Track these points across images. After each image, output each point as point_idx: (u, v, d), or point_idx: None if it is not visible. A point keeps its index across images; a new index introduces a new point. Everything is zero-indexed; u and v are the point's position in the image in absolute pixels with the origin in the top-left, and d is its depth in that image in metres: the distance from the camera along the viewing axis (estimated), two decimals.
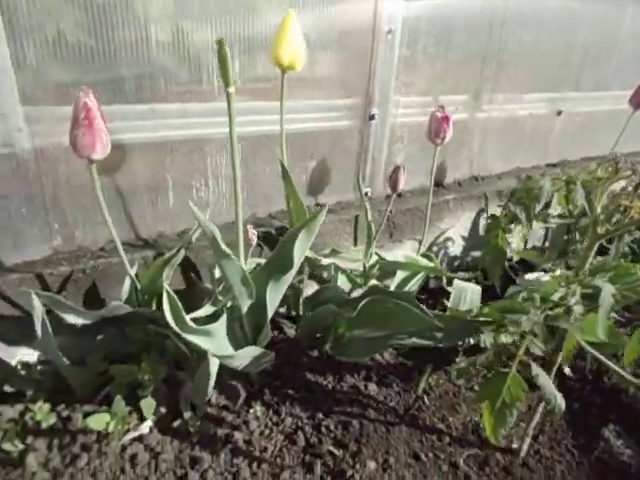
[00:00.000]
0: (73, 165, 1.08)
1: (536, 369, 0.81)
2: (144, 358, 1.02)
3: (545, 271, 1.61)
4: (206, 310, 0.95)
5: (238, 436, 1.01)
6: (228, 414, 1.07)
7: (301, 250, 0.88)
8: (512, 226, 1.42)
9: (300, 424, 1.06)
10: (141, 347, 1.10)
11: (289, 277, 0.93)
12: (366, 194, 1.60)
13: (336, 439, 1.02)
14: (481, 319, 0.97)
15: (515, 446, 1.06)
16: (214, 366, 0.84)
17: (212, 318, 0.93)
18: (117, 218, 1.18)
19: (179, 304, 0.81)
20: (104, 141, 0.82)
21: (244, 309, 0.93)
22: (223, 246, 0.81)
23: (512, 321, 0.83)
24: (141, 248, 1.20)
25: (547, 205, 1.35)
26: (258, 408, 1.08)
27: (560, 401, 0.79)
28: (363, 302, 0.92)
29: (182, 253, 0.96)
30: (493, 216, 1.50)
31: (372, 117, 1.48)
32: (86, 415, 1.02)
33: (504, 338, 1.07)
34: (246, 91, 1.27)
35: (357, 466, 0.96)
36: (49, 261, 1.11)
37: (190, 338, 0.81)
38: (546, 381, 0.80)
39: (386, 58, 1.42)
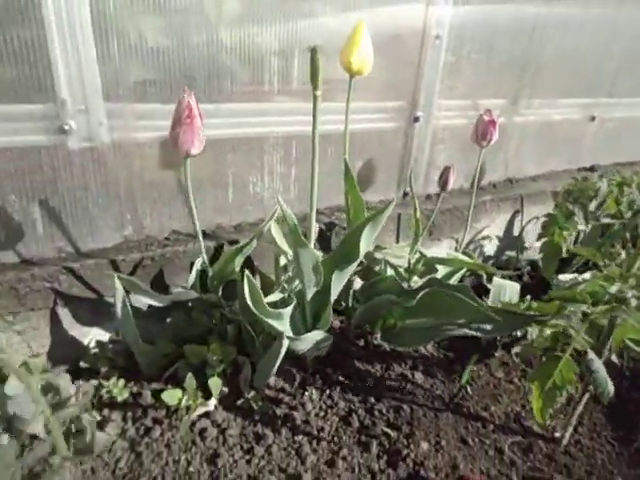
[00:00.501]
0: (146, 160, 1.16)
1: (591, 354, 0.86)
2: (212, 340, 1.09)
3: (579, 272, 1.66)
4: (275, 296, 1.01)
5: (296, 416, 1.08)
6: (285, 396, 1.14)
7: (366, 242, 0.94)
8: (567, 224, 1.48)
9: (353, 407, 1.12)
10: (204, 331, 1.17)
11: (352, 268, 0.99)
12: (406, 194, 1.67)
13: (389, 422, 1.08)
14: (530, 313, 1.02)
15: (557, 435, 1.11)
16: (284, 348, 0.90)
17: (280, 304, 0.99)
18: (181, 210, 1.26)
19: (258, 289, 0.88)
20: (201, 138, 0.90)
21: (309, 296, 0.99)
22: (301, 235, 0.88)
23: (570, 312, 0.89)
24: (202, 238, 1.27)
25: (599, 205, 1.41)
26: (313, 391, 1.14)
27: (611, 387, 0.85)
28: (422, 293, 0.99)
29: (254, 243, 1.03)
30: (550, 214, 1.56)
31: (417, 119, 1.54)
32: (154, 392, 1.10)
33: (549, 331, 1.13)
34: (302, 93, 1.33)
35: (411, 446, 1.02)
36: (120, 248, 1.19)
37: (267, 320, 0.88)
38: (599, 366, 0.85)
39: (433, 63, 1.48)
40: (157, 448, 0.98)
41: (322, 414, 1.10)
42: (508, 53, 1.64)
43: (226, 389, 1.11)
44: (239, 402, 1.08)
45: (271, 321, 0.90)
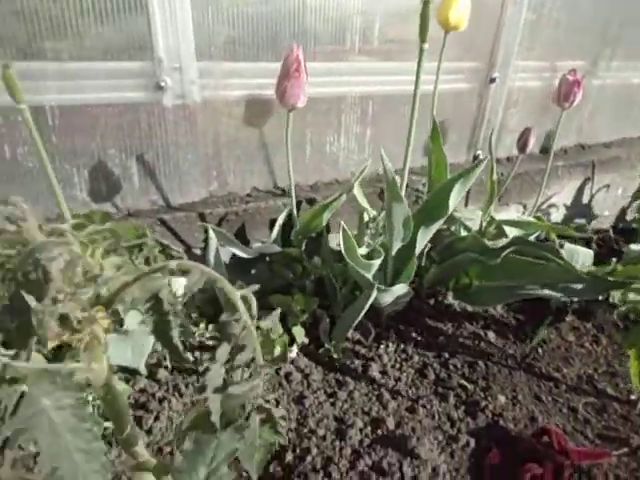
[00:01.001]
0: (233, 118, 1.20)
1: None
2: (293, 292, 1.15)
3: None
4: (361, 250, 1.05)
5: (374, 367, 1.13)
6: (361, 348, 1.19)
7: (455, 199, 0.96)
8: None
9: (427, 361, 1.16)
10: (285, 284, 1.23)
11: (438, 224, 1.01)
12: (476, 157, 1.65)
13: (464, 376, 1.12)
14: (613, 279, 1.02)
15: (633, 397, 1.12)
16: (372, 298, 0.94)
17: (366, 258, 1.03)
18: (262, 168, 1.30)
19: (353, 240, 0.92)
20: (305, 92, 0.92)
21: (394, 251, 1.02)
22: (399, 189, 0.90)
23: None
24: (279, 196, 1.32)
25: None
26: (389, 344, 1.19)
27: None
28: (507, 251, 1.00)
29: (343, 198, 1.06)
30: None
31: (492, 80, 1.51)
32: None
33: (631, 296, 1.12)
34: (381, 52, 1.33)
35: (489, 399, 1.05)
36: (206, 203, 1.25)
37: (359, 270, 0.92)
38: None
39: (513, 21, 1.44)
40: None
41: (398, 366, 1.15)
42: (591, 11, 1.57)
43: (306, 339, 1.17)
44: (320, 351, 1.14)
45: (362, 271, 0.93)
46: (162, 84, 1.08)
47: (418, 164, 1.55)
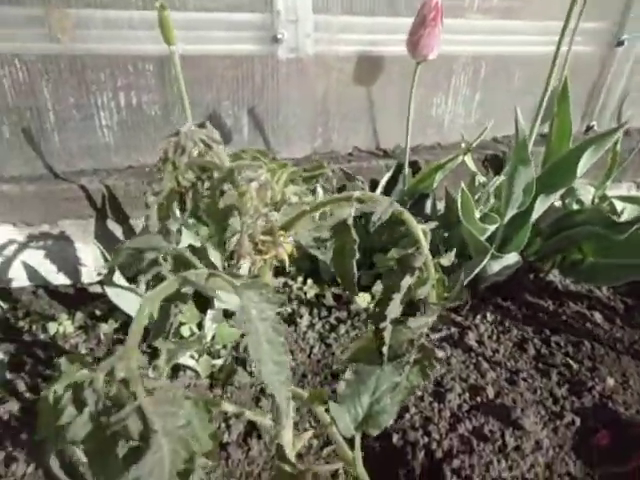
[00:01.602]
0: (343, 74, 1.19)
1: None
2: (394, 251, 1.14)
3: None
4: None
5: (470, 335, 1.11)
6: (457, 316, 1.17)
7: (583, 167, 0.90)
8: None
9: (527, 336, 1.12)
10: (382, 244, 1.22)
11: (559, 193, 0.96)
12: (589, 128, 1.53)
13: (568, 354, 1.07)
14: None
15: None
16: (484, 264, 0.92)
17: None
18: (366, 128, 1.29)
19: (472, 202, 0.89)
20: (440, 43, 0.89)
21: (507, 218, 0.98)
22: (529, 151, 0.86)
23: None
24: (381, 157, 1.30)
25: None
26: (487, 315, 1.16)
27: None
28: (636, 227, 0.93)
29: (459, 159, 1.03)
30: None
31: (620, 43, 1.38)
32: (334, 295, 1.19)
33: None
34: (500, 10, 1.25)
35: (596, 380, 1.00)
36: (309, 159, 1.26)
37: (475, 234, 0.89)
38: None
39: None
40: (344, 343, 1.07)
41: (495, 337, 1.12)
42: None
43: None
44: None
45: (478, 235, 0.91)
46: (279, 36, 1.08)
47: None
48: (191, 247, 0.46)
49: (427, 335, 0.37)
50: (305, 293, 1.17)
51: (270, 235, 0.37)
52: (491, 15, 1.24)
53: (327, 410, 0.45)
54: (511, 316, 1.18)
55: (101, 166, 1.12)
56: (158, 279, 0.36)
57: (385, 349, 0.36)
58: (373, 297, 1.11)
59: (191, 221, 0.37)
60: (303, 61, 1.14)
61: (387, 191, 1.22)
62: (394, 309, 0.35)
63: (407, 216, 0.36)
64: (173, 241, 0.37)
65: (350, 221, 0.37)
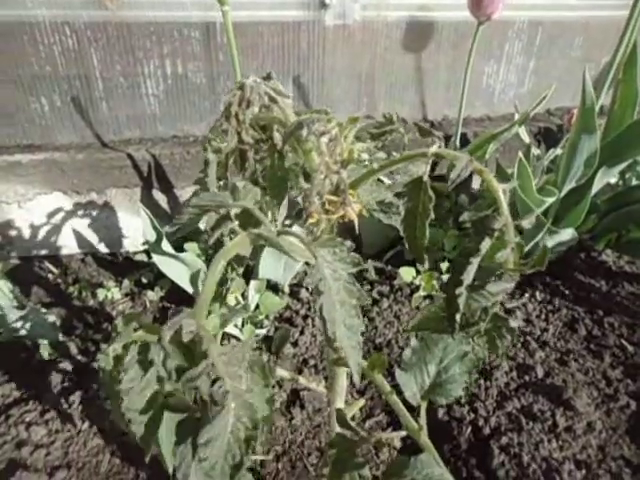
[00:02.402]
0: (391, 41, 1.15)
1: None
2: (445, 227, 1.11)
3: None
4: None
5: (518, 314, 1.07)
6: None
7: None
8: None
9: (577, 316, 1.08)
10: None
11: (623, 166, 0.90)
12: None
13: (623, 336, 1.03)
14: None
15: None
16: (537, 239, 0.88)
17: None
18: (413, 98, 1.24)
19: (530, 174, 0.85)
20: (503, 2, 0.85)
21: (564, 191, 0.94)
22: (596, 118, 0.81)
23: None
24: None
25: None
26: (537, 293, 1.12)
27: None
28: None
29: (514, 130, 0.98)
30: None
31: None
32: (377, 269, 1.17)
33: None
34: None
35: None
36: None
37: (532, 207, 0.85)
38: None
39: None
40: (387, 317, 1.06)
41: (544, 317, 1.08)
42: None
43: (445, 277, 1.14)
44: None
45: (535, 208, 0.87)
46: (326, 1, 1.05)
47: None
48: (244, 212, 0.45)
49: (501, 304, 0.35)
50: None
51: (338, 194, 0.35)
52: None
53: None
54: (561, 295, 1.13)
55: (147, 135, 1.13)
56: (218, 242, 0.35)
57: (458, 316, 0.35)
58: (418, 272, 1.08)
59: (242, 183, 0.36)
60: (350, 28, 1.10)
61: (434, 164, 1.18)
62: (471, 274, 0.33)
63: (487, 175, 0.34)
64: (240, 197, 0.36)
65: (426, 178, 0.35)
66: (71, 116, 1.06)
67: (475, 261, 0.33)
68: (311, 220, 0.34)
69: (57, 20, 0.97)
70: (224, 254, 0.29)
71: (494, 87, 1.28)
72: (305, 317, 1.06)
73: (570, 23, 1.24)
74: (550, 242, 0.95)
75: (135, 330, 0.54)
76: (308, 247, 0.30)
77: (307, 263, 0.44)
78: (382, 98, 1.22)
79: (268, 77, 0.36)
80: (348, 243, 0.31)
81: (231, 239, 0.30)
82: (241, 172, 0.37)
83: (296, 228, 0.47)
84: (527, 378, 0.91)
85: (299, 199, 0.35)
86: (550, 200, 0.90)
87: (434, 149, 0.34)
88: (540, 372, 0.93)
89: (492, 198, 0.35)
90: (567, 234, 0.93)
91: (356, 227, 0.35)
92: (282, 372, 0.51)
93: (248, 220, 0.35)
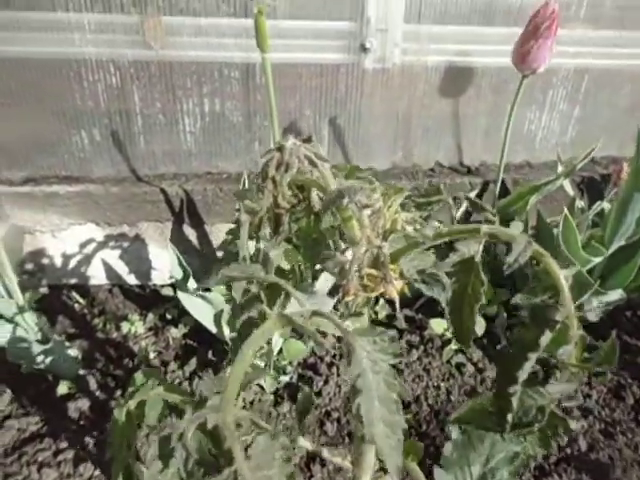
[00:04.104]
0: (430, 86, 1.13)
1: None
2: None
3: None
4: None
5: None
6: None
7: None
8: None
9: (624, 382, 1.00)
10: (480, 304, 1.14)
11: None
12: None
13: None
14: None
15: None
16: (581, 300, 0.82)
17: None
18: (449, 142, 1.22)
19: (576, 230, 0.80)
20: (550, 57, 0.82)
21: (612, 248, 0.88)
22: None
23: None
24: (465, 174, 1.23)
25: None
26: None
27: None
28: None
29: (558, 182, 0.94)
30: None
31: None
32: (407, 317, 1.12)
33: None
34: (605, 19, 1.14)
35: None
36: (387, 174, 1.20)
37: (577, 265, 0.80)
38: None
39: None
40: (416, 370, 1.00)
41: (586, 381, 1.01)
42: None
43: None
44: (498, 347, 1.04)
45: (581, 268, 0.81)
46: (367, 45, 1.04)
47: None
48: (279, 269, 0.43)
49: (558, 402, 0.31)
50: (376, 313, 1.12)
51: (378, 269, 0.32)
52: (600, 25, 1.13)
53: (419, 465, 0.39)
54: None
55: (182, 171, 1.13)
56: (248, 295, 0.33)
57: (510, 416, 0.30)
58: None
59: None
60: (389, 71, 1.09)
61: (471, 212, 1.14)
62: (526, 371, 0.29)
63: (548, 259, 0.30)
64: (272, 270, 0.33)
65: (478, 258, 0.32)
66: (109, 150, 1.08)
67: (533, 357, 0.29)
68: (348, 298, 0.31)
69: (102, 58, 0.99)
70: (252, 343, 0.26)
71: (535, 133, 1.24)
72: (330, 365, 1.02)
73: (618, 71, 1.21)
74: (594, 302, 0.89)
75: (153, 387, 0.52)
76: (345, 336, 0.26)
77: (453, 319, 0.39)
78: (418, 142, 1.20)
79: (309, 139, 0.34)
80: (391, 332, 0.28)
81: (261, 320, 0.27)
82: (274, 237, 0.35)
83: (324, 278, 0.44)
84: (569, 451, 0.84)
85: (334, 270, 0.33)
86: (597, 260, 0.85)
87: (487, 228, 0.31)
88: (583, 445, 0.85)
89: (549, 281, 0.31)
90: (614, 295, 0.87)
91: (397, 305, 0.32)
92: (304, 443, 0.47)
93: (278, 292, 0.32)
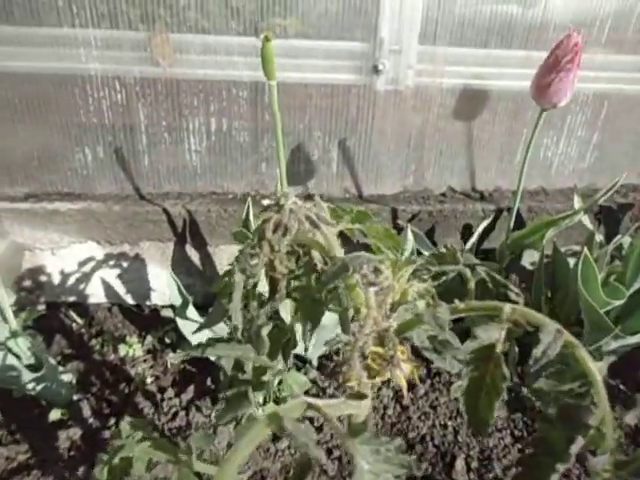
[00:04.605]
0: (444, 109, 1.09)
1: None
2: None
3: None
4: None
5: None
6: None
7: None
8: None
9: None
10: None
11: None
12: None
13: None
14: None
15: None
16: (599, 344, 0.78)
17: None
18: (463, 166, 1.18)
19: (596, 270, 0.76)
20: (572, 91, 0.78)
21: (633, 288, 0.83)
22: None
23: None
24: (477, 200, 1.18)
25: None
26: None
27: None
28: None
29: (577, 218, 0.90)
30: None
31: None
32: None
33: None
34: (628, 43, 1.10)
35: None
36: (398, 198, 1.17)
37: (594, 307, 0.75)
38: None
39: None
40: (422, 407, 0.96)
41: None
42: None
43: None
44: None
45: (600, 310, 0.77)
46: (380, 67, 1.01)
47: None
48: (275, 326, 0.39)
49: None
50: None
51: (384, 348, 0.28)
52: (622, 50, 1.09)
53: None
54: (622, 400, 1.01)
55: (186, 190, 1.10)
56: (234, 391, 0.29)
57: None
58: None
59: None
60: (402, 94, 1.06)
61: (482, 239, 1.10)
62: None
63: (582, 353, 0.26)
64: (264, 352, 0.29)
65: (499, 349, 0.28)
66: (112, 167, 1.05)
67: (561, 467, 0.25)
68: (349, 384, 0.27)
69: (108, 74, 0.97)
70: (237, 453, 0.22)
71: (552, 160, 1.20)
72: (332, 397, 0.98)
73: (639, 97, 1.16)
74: (614, 345, 0.84)
75: (140, 441, 0.48)
76: (344, 443, 0.23)
77: (469, 409, 0.35)
78: (431, 166, 1.16)
79: (310, 197, 0.30)
80: (397, 442, 0.24)
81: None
82: (270, 302, 0.31)
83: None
84: None
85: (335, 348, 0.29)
86: (618, 303, 0.80)
87: (511, 308, 0.27)
88: None
89: (579, 369, 0.27)
90: (636, 339, 0.83)
91: (405, 393, 0.28)
92: None
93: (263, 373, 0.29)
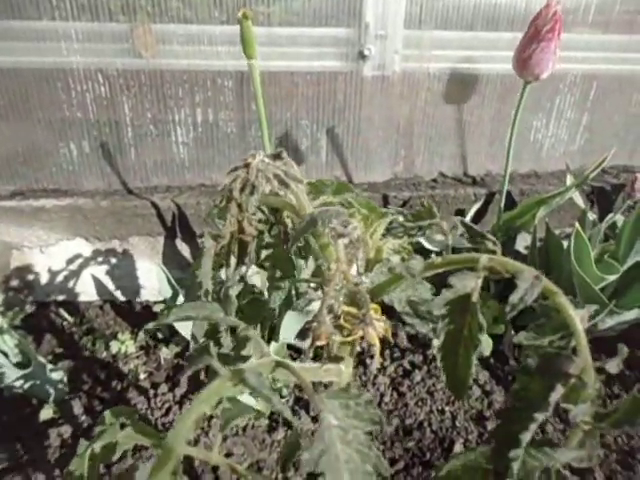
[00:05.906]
0: (432, 93, 1.09)
1: None
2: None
3: None
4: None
5: None
6: None
7: None
8: None
9: None
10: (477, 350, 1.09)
11: None
12: None
13: None
14: None
15: None
16: (596, 320, 0.77)
17: None
18: (453, 152, 1.17)
19: (589, 247, 0.75)
20: (554, 61, 0.77)
21: (625, 265, 0.82)
22: None
23: None
24: (469, 185, 1.18)
25: None
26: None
27: None
28: None
29: (567, 195, 0.89)
30: None
31: None
32: (409, 335, 1.07)
33: None
34: (614, 23, 1.09)
35: None
36: (389, 185, 1.16)
37: (590, 283, 0.75)
38: None
39: None
40: (419, 393, 0.95)
41: (599, 403, 0.94)
42: None
43: (488, 352, 1.02)
44: (507, 368, 0.99)
45: (594, 286, 0.76)
46: (366, 52, 1.00)
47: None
48: (251, 298, 0.39)
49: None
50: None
51: (357, 308, 0.27)
52: (609, 29, 1.09)
53: None
54: (619, 378, 1.00)
55: (174, 183, 1.09)
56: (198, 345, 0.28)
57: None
58: None
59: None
60: (389, 79, 1.05)
61: (475, 223, 1.09)
62: (531, 431, 0.24)
63: (561, 299, 0.25)
64: (232, 311, 0.28)
65: (476, 298, 0.27)
66: (99, 162, 1.04)
67: (539, 417, 0.24)
68: (319, 343, 0.26)
69: (91, 67, 0.96)
70: (195, 409, 0.21)
71: (542, 142, 1.19)
72: (328, 387, 0.97)
73: (628, 77, 1.15)
74: (609, 322, 0.83)
75: (123, 427, 0.47)
76: (312, 399, 0.22)
77: (447, 369, 0.34)
78: (421, 151, 1.15)
79: (278, 156, 0.29)
80: (367, 395, 0.23)
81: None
82: (239, 264, 0.30)
83: None
84: None
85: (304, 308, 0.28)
86: (612, 278, 0.79)
87: (487, 259, 0.26)
88: (600, 476, 0.79)
89: (560, 320, 0.26)
90: (631, 315, 0.82)
91: (377, 354, 0.27)
92: None
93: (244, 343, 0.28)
